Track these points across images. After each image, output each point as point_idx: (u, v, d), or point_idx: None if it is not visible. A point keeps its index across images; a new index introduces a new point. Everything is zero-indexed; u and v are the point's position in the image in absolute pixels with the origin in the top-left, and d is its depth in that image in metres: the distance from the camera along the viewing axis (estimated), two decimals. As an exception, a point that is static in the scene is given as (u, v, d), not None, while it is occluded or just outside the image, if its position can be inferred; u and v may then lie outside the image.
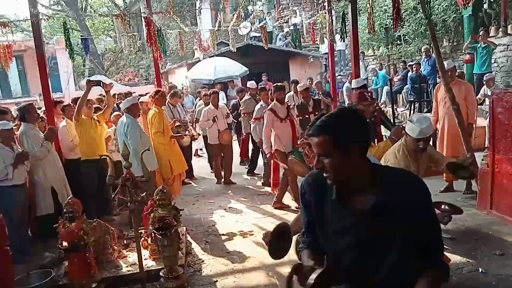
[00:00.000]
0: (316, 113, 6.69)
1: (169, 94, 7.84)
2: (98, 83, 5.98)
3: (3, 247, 3.61)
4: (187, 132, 7.53)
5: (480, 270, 3.96)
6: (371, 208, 1.60)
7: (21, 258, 4.66)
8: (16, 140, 5.21)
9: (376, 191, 1.62)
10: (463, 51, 11.43)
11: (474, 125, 6.27)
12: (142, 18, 8.64)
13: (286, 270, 4.31)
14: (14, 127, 5.27)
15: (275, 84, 6.80)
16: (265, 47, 10.14)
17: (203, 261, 4.73)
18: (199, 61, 14.98)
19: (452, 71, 5.99)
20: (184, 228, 5.30)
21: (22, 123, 5.38)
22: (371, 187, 1.64)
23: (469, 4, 5.37)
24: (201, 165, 9.42)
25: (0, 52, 7.55)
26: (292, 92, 8.96)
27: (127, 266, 4.43)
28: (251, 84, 8.81)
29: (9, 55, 7.65)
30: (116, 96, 8.28)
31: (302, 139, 5.29)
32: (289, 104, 6.83)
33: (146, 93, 8.27)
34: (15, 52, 8.43)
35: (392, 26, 7.99)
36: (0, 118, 5.14)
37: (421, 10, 8.68)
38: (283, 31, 18.49)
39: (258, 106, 7.40)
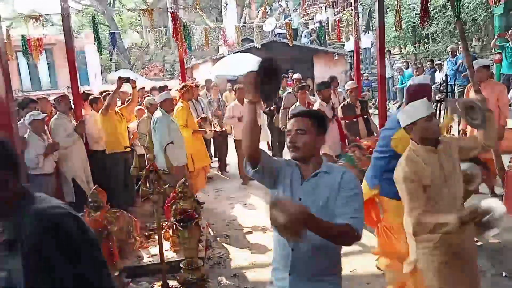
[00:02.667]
0: (365, 116, 6.24)
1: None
2: (127, 80, 6.09)
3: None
4: (212, 127, 7.56)
5: (504, 274, 3.88)
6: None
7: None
8: (46, 130, 5.38)
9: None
10: (492, 50, 11.14)
11: (504, 127, 6.10)
12: (169, 13, 8.73)
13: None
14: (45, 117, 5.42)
15: (321, 82, 6.48)
16: (289, 44, 10.10)
17: (223, 254, 4.78)
18: (224, 57, 15.05)
19: (483, 71, 5.80)
20: (205, 221, 5.37)
21: (56, 112, 5.59)
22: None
23: (500, 2, 5.23)
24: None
25: (31, 45, 7.78)
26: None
27: (148, 257, 4.52)
28: (297, 75, 8.62)
29: (40, 48, 7.88)
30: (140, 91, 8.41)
31: (357, 140, 5.09)
32: (334, 104, 6.60)
33: (170, 89, 8.37)
34: (45, 45, 8.66)
35: (419, 24, 7.84)
36: (31, 108, 5.31)
37: (450, 8, 8.50)
38: (308, 28, 18.39)
39: (292, 107, 6.93)
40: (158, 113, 5.75)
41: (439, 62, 12.33)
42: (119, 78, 6.02)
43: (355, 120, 6.21)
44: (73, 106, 6.18)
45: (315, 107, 6.09)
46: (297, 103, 6.87)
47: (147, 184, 4.21)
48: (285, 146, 2.12)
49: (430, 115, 2.57)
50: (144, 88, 9.23)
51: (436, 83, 11.62)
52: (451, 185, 2.58)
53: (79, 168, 5.57)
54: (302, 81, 8.53)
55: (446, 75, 10.80)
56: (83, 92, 6.68)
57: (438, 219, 2.36)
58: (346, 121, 6.28)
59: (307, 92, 7.14)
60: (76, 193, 5.47)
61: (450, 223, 2.27)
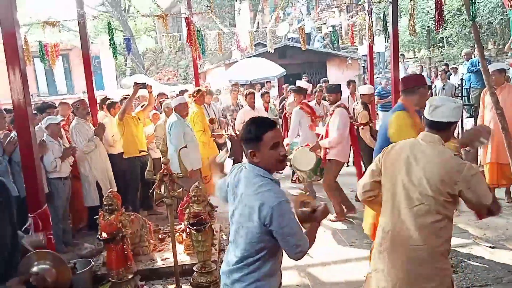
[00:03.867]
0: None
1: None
2: (144, 85, 6.16)
3: (47, 235, 3.78)
4: (223, 131, 7.60)
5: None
6: None
7: (63, 248, 4.88)
8: (63, 134, 5.48)
9: None
10: (508, 53, 10.99)
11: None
12: (183, 18, 8.81)
13: (317, 270, 4.31)
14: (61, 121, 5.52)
15: (329, 85, 6.39)
16: (302, 48, 10.10)
17: (235, 259, 4.78)
18: (237, 61, 15.12)
19: (499, 75, 5.73)
20: (219, 225, 5.38)
21: (74, 117, 5.69)
22: None
23: (516, 5, 5.16)
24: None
25: (48, 51, 7.92)
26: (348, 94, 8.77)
27: (162, 260, 4.55)
28: (304, 84, 8.62)
29: (56, 54, 8.02)
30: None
31: None
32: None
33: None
34: (61, 51, 8.82)
35: (434, 28, 7.78)
36: (49, 112, 5.42)
37: (465, 12, 8.42)
38: (321, 32, 18.38)
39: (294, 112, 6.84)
40: (173, 117, 5.80)
41: (454, 66, 12.21)
42: (136, 83, 6.09)
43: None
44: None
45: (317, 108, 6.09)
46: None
47: (161, 188, 4.24)
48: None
49: None
50: (164, 93, 9.31)
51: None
52: None
53: (102, 172, 5.64)
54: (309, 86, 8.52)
55: (461, 79, 10.68)
56: (105, 97, 6.77)
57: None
58: (370, 125, 6.31)
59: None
60: (100, 197, 5.54)
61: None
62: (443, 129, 2.40)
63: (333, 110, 5.64)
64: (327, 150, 5.61)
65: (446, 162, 2.29)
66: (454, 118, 2.41)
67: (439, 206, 2.29)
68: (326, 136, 5.66)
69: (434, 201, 2.28)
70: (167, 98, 8.45)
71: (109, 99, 6.76)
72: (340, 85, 5.88)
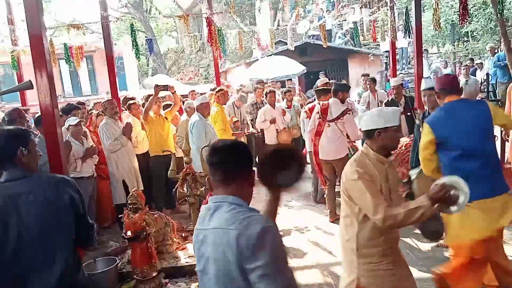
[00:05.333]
0: (409, 113, 6.15)
1: (238, 96, 7.99)
2: (165, 87, 6.23)
3: (73, 234, 3.86)
4: (246, 130, 7.62)
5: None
6: None
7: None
8: (88, 134, 5.61)
9: None
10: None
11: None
12: (203, 18, 8.87)
13: (341, 270, 4.27)
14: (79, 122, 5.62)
15: (343, 83, 6.40)
16: (323, 45, 10.02)
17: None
18: (257, 60, 15.12)
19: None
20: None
21: (104, 117, 5.83)
22: None
23: (545, -3, 5.01)
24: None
25: (73, 53, 8.10)
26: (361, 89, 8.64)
27: (185, 258, 4.60)
28: (321, 81, 8.53)
29: (81, 56, 8.19)
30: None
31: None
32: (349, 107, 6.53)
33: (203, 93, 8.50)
34: (85, 52, 9.00)
35: (458, 22, 7.61)
36: (75, 113, 5.54)
37: (491, 5, 8.21)
38: (342, 29, 18.20)
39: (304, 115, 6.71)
40: (195, 117, 5.85)
41: (479, 60, 11.92)
42: (156, 85, 6.16)
43: None
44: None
45: (333, 105, 5.90)
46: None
47: (184, 187, 4.29)
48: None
49: (399, 126, 2.53)
50: (194, 90, 9.32)
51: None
52: (394, 198, 2.51)
53: (129, 170, 5.73)
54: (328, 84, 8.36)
55: (487, 74, 10.41)
56: (125, 97, 6.86)
57: (408, 206, 2.25)
58: None
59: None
60: (126, 195, 5.64)
61: (423, 205, 2.18)
62: (370, 137, 2.51)
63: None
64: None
65: (348, 165, 2.54)
66: (375, 125, 2.47)
67: (344, 202, 2.52)
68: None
69: (343, 196, 2.52)
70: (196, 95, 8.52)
71: (130, 98, 6.86)
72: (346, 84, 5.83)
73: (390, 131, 2.46)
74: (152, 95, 6.16)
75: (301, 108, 7.89)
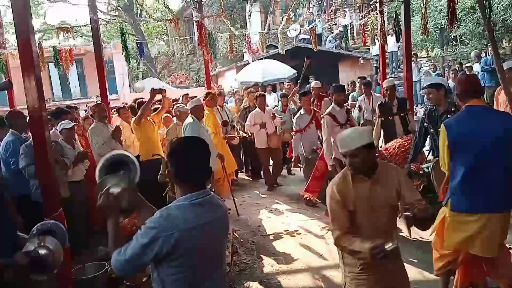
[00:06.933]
0: (402, 114, 6.15)
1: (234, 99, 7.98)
2: (160, 91, 6.22)
3: (62, 239, 3.82)
4: (235, 133, 7.62)
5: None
6: None
7: (77, 251, 4.92)
8: (77, 138, 5.56)
9: None
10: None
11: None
12: (194, 22, 8.86)
13: (332, 273, 4.28)
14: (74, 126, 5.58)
15: (334, 85, 6.41)
16: (314, 49, 10.07)
17: (249, 261, 4.78)
18: (248, 63, 15.14)
19: (512, 73, 5.64)
20: (231, 227, 5.39)
21: (93, 121, 5.79)
22: None
23: (531, 3, 5.08)
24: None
25: (62, 56, 8.04)
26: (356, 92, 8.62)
27: (176, 262, 4.56)
28: (316, 83, 8.56)
29: (70, 59, 8.14)
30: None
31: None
32: (349, 107, 6.57)
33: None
34: (75, 56, 8.94)
35: (447, 27, 7.69)
36: (64, 118, 5.48)
37: (479, 9, 8.31)
38: (332, 33, 18.30)
39: (297, 114, 6.97)
40: (189, 119, 5.82)
41: (468, 64, 12.05)
42: (153, 89, 6.12)
43: (390, 118, 6.13)
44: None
45: (325, 110, 6.04)
46: (302, 111, 6.97)
47: (175, 190, 4.25)
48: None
49: (360, 148, 2.35)
50: (188, 94, 9.32)
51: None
52: (378, 215, 2.44)
53: (119, 174, 5.67)
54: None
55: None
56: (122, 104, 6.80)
57: (353, 245, 2.29)
58: (382, 119, 6.25)
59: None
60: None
61: (363, 253, 2.23)
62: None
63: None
64: None
65: (334, 177, 2.60)
66: (339, 149, 2.49)
67: None
68: None
69: None
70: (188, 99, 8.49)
71: (121, 107, 6.83)
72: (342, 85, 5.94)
73: (347, 156, 2.40)
74: (142, 98, 6.14)
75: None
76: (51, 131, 4.73)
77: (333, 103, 6.06)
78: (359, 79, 9.29)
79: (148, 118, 6.30)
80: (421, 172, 4.36)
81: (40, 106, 3.51)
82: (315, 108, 7.25)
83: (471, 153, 3.01)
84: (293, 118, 7.21)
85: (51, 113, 5.77)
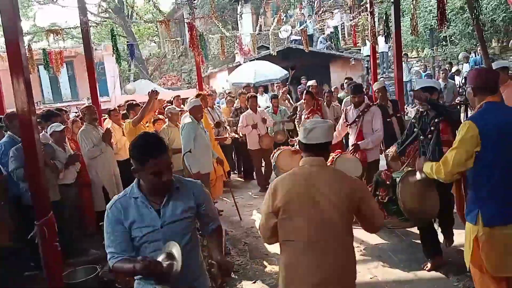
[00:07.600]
0: (398, 115, 6.13)
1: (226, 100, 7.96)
2: (157, 93, 6.21)
3: (53, 242, 3.79)
4: (227, 134, 7.61)
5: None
6: None
7: (69, 254, 4.88)
8: (67, 141, 5.52)
9: None
10: (512, 51, 10.95)
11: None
12: (185, 23, 8.85)
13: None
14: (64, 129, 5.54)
15: (353, 85, 6.11)
16: (305, 50, 10.10)
17: (242, 262, 4.78)
18: (240, 65, 15.14)
19: (502, 73, 5.66)
20: (224, 229, 5.37)
21: (84, 123, 5.77)
22: None
23: (519, 3, 5.15)
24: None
25: (52, 58, 7.99)
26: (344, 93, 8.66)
27: (168, 265, 4.54)
28: (312, 82, 8.53)
29: (60, 61, 8.09)
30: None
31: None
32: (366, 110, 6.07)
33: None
34: (65, 58, 8.88)
35: (437, 27, 7.76)
36: (54, 120, 5.43)
37: (468, 10, 8.39)
38: (323, 33, 18.37)
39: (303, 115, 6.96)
40: (187, 120, 5.72)
41: (458, 64, 12.18)
42: (152, 91, 6.09)
43: (388, 120, 5.99)
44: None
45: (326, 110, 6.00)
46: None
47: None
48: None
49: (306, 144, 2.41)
50: (179, 96, 9.26)
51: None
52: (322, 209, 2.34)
53: (109, 177, 5.65)
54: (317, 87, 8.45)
55: (465, 78, 10.61)
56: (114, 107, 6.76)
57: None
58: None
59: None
60: (107, 202, 5.54)
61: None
62: (322, 150, 2.40)
63: (362, 111, 5.54)
64: (366, 152, 5.46)
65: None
66: (330, 138, 2.42)
67: None
68: (360, 138, 5.48)
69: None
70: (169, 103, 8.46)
71: (112, 110, 6.79)
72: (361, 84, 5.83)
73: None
74: (133, 100, 6.11)
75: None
76: (41, 134, 4.71)
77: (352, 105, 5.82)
78: (346, 80, 9.27)
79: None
80: (388, 182, 3.96)
81: (29, 109, 3.47)
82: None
83: (509, 149, 2.60)
84: (298, 120, 7.32)
85: (41, 116, 5.72)
